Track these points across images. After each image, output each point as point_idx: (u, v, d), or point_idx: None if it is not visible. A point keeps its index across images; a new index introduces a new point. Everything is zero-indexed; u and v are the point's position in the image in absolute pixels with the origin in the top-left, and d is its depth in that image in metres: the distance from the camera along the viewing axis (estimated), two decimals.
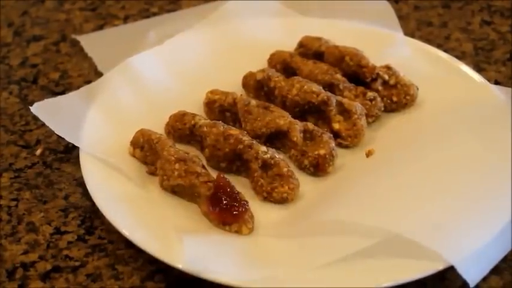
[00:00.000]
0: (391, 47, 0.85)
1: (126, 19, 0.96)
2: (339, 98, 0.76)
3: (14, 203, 0.71)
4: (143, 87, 0.80)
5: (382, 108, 0.78)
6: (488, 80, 0.82)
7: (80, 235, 0.68)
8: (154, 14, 0.96)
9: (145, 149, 0.72)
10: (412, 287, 0.61)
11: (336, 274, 0.62)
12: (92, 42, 0.90)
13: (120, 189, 0.69)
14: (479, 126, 0.73)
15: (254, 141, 0.71)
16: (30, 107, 0.75)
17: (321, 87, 0.77)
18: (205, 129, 0.73)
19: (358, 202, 0.68)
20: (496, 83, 0.84)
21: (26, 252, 0.67)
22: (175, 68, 0.83)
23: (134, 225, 0.65)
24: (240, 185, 0.70)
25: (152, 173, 0.72)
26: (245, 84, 0.81)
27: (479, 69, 0.85)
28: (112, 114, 0.76)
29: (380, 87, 0.79)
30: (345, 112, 0.75)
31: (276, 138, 0.73)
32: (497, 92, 0.79)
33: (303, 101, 0.76)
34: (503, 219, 0.65)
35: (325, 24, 0.88)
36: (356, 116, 0.75)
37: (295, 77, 0.78)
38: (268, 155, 0.70)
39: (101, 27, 0.94)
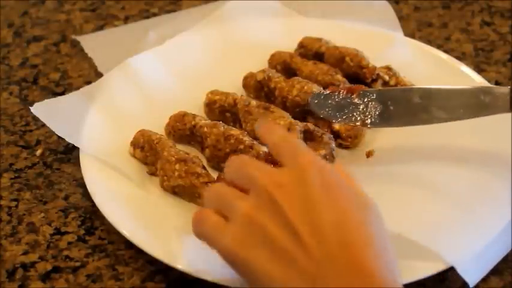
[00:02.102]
0: (391, 48, 0.85)
1: (126, 19, 0.96)
2: None
3: (14, 204, 0.71)
4: (143, 87, 0.80)
5: None
6: (489, 81, 0.82)
7: (80, 235, 0.68)
8: (155, 15, 0.96)
9: (145, 150, 0.72)
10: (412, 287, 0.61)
11: None
12: (92, 43, 0.90)
13: (120, 189, 0.69)
14: (479, 127, 0.73)
15: (255, 142, 0.71)
16: (30, 108, 0.75)
17: (322, 88, 0.77)
18: (205, 129, 0.73)
19: None
20: (497, 83, 0.85)
21: (26, 253, 0.67)
22: (175, 69, 0.83)
23: (134, 225, 0.65)
24: None
25: (152, 174, 0.72)
26: (245, 84, 0.81)
27: (479, 70, 0.85)
28: (112, 115, 0.76)
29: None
30: None
31: None
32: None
33: (304, 101, 0.76)
34: (503, 220, 0.66)
35: (325, 25, 0.88)
36: None
37: (295, 78, 0.78)
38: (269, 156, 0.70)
39: (101, 28, 0.94)
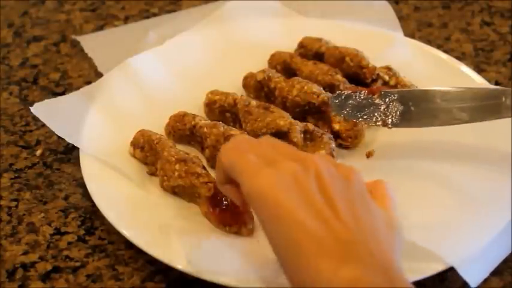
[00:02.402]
0: (391, 48, 0.85)
1: (126, 20, 0.96)
2: None
3: (14, 204, 0.71)
4: (143, 87, 0.80)
5: None
6: (489, 81, 0.82)
7: (80, 236, 0.68)
8: (155, 15, 0.96)
9: (145, 150, 0.72)
10: None
11: None
12: (92, 43, 0.90)
13: (120, 189, 0.69)
14: (480, 128, 0.73)
15: None
16: (30, 108, 0.75)
17: (322, 88, 0.77)
18: (205, 129, 0.73)
19: None
20: (496, 83, 0.85)
21: (26, 253, 0.67)
22: (175, 69, 0.83)
23: (134, 225, 0.65)
24: None
25: (152, 174, 0.72)
26: (245, 84, 0.81)
27: (479, 70, 0.85)
28: (112, 115, 0.76)
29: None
30: None
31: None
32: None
33: (304, 101, 0.76)
34: (503, 220, 0.66)
35: (325, 25, 0.88)
36: None
37: (295, 78, 0.78)
38: None
39: (101, 28, 0.94)
